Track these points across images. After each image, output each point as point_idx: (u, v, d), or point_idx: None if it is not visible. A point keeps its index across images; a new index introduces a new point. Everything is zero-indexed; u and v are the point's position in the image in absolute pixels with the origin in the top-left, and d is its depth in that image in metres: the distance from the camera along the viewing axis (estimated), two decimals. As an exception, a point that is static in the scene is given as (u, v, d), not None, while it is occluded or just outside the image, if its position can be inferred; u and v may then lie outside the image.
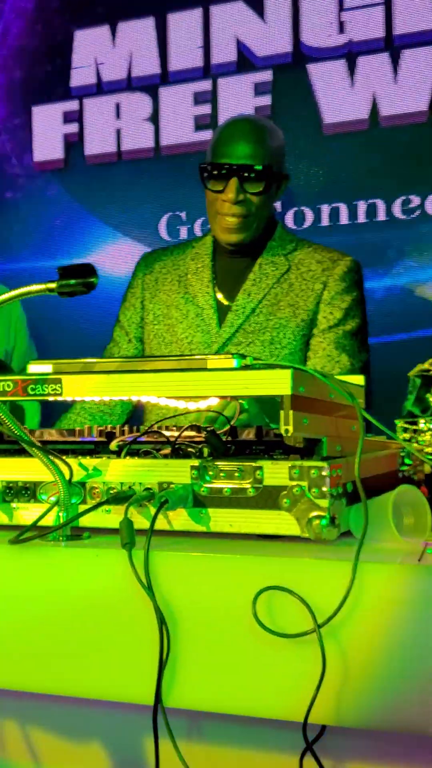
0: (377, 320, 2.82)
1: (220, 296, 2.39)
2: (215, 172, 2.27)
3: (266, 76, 3.05)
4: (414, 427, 1.57)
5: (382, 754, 1.22)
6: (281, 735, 1.19)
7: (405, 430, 1.58)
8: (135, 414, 2.52)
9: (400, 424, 1.58)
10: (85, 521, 1.29)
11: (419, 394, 1.59)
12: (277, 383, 1.20)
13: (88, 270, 1.17)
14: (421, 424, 1.57)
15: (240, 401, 1.63)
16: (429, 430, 1.55)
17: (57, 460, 1.27)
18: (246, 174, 2.24)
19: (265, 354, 2.28)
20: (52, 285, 1.19)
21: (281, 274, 2.34)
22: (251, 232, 2.31)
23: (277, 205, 2.98)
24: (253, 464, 1.24)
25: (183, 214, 3.17)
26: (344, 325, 2.31)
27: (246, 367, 1.25)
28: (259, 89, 3.07)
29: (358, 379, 1.50)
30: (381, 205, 2.86)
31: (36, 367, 1.34)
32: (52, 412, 2.61)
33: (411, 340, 2.78)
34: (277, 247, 2.38)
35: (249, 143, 2.27)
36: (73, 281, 1.18)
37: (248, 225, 2.30)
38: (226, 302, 2.38)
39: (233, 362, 1.26)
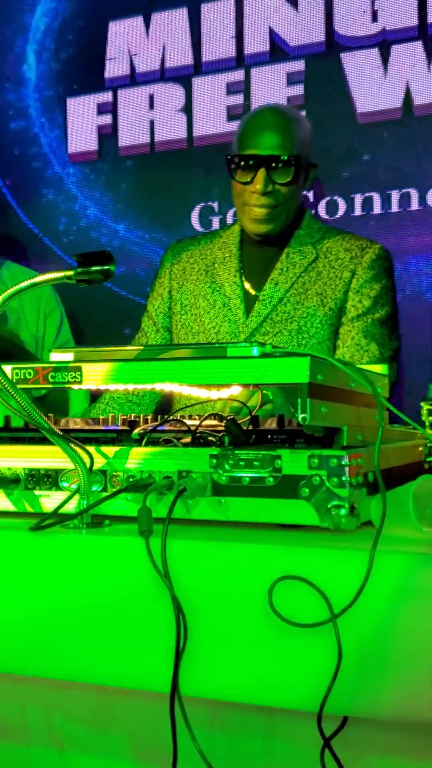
0: (408, 310, 2.79)
1: (247, 286, 2.38)
2: (242, 163, 2.26)
3: (299, 65, 3.03)
4: None
5: (407, 748, 1.20)
6: (304, 727, 1.19)
7: (430, 413, 1.57)
8: (164, 405, 2.52)
9: (424, 406, 1.57)
10: (107, 509, 1.30)
11: None
12: (295, 371, 1.19)
13: (106, 257, 1.17)
14: None
15: (264, 391, 1.63)
16: None
17: (78, 448, 1.28)
18: (274, 164, 2.23)
19: (292, 343, 2.27)
20: (70, 273, 1.20)
21: (309, 263, 2.33)
22: (280, 222, 2.30)
23: (310, 194, 2.97)
24: (272, 453, 1.23)
25: (215, 205, 3.16)
26: (373, 313, 2.29)
27: (265, 356, 1.25)
28: (291, 79, 3.04)
29: (380, 368, 1.48)
30: (414, 194, 2.83)
31: (57, 355, 1.35)
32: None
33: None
34: (304, 235, 2.37)
35: (276, 133, 2.26)
36: (91, 269, 1.18)
37: (277, 215, 2.29)
38: (253, 292, 2.37)
39: (253, 350, 1.26)
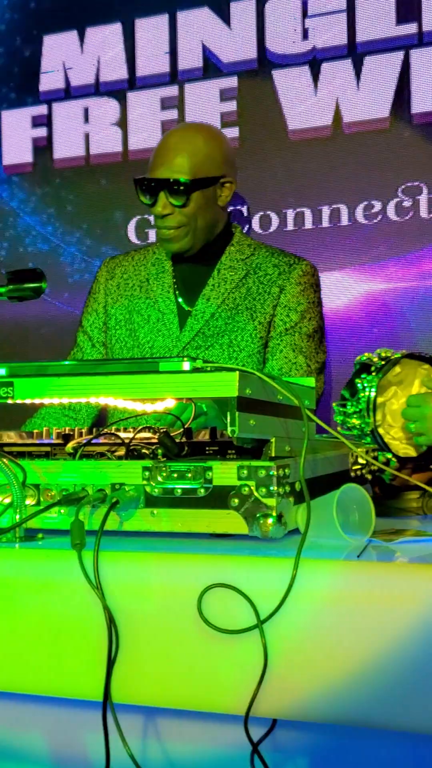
0: (338, 324, 2.86)
1: (180, 300, 2.44)
2: (142, 187, 2.36)
3: (232, 82, 3.08)
4: (343, 410, 1.63)
5: (336, 749, 1.24)
6: (237, 731, 1.22)
7: (339, 413, 1.65)
8: (101, 419, 2.54)
9: (335, 407, 1.65)
10: (40, 523, 1.32)
11: (351, 379, 1.66)
12: (224, 385, 1.23)
13: (37, 275, 1.20)
14: (349, 406, 1.63)
15: (198, 403, 1.66)
16: (355, 413, 1.62)
17: (10, 463, 1.30)
18: (170, 187, 2.32)
19: (224, 357, 2.32)
20: (2, 290, 1.22)
21: (239, 278, 2.39)
22: (190, 239, 2.37)
23: (243, 209, 3.02)
24: (203, 465, 1.27)
25: (151, 218, 3.19)
26: (300, 327, 2.35)
27: (196, 370, 1.28)
28: (224, 95, 3.09)
29: (309, 381, 1.53)
30: (344, 210, 2.90)
31: (-11, 370, 1.36)
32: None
33: (372, 344, 2.81)
34: (235, 252, 2.43)
35: (174, 156, 2.35)
36: (23, 286, 1.21)
37: (185, 234, 2.36)
38: (186, 307, 2.43)
39: (184, 365, 1.29)
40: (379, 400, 1.64)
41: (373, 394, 1.62)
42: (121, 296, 2.50)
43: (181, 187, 2.31)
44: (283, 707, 1.10)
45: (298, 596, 1.08)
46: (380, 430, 1.64)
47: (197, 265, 2.44)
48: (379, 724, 1.08)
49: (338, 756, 1.24)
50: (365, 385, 1.63)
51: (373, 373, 1.64)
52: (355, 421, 1.63)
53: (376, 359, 1.67)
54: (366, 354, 1.69)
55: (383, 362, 1.66)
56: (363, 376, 1.65)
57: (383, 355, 1.68)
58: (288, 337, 2.33)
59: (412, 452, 1.66)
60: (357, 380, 1.65)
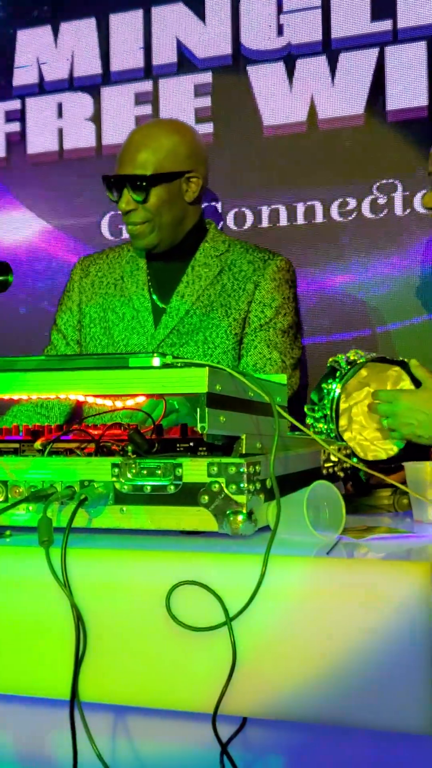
0: (314, 320, 2.85)
1: (155, 298, 2.43)
2: (108, 184, 2.38)
3: (206, 77, 3.06)
4: (312, 414, 1.64)
5: (307, 748, 1.24)
6: (207, 729, 1.21)
7: (310, 417, 1.65)
8: (75, 417, 2.52)
9: (306, 410, 1.66)
10: (8, 519, 1.30)
11: (319, 383, 1.66)
12: (194, 381, 1.22)
13: (3, 268, 1.18)
14: (316, 410, 1.64)
15: (170, 400, 1.65)
16: (321, 418, 1.63)
17: (-22, 459, 1.28)
18: (130, 183, 2.33)
19: (198, 354, 2.31)
20: (-31, 284, 1.20)
21: (214, 275, 2.38)
22: (156, 235, 2.37)
23: (218, 205, 3.00)
24: (173, 461, 1.25)
25: (126, 214, 3.17)
26: (275, 323, 2.35)
27: (166, 366, 1.27)
28: (199, 91, 3.08)
29: (281, 378, 1.52)
30: (319, 206, 2.89)
31: None
32: None
33: (347, 341, 2.81)
34: (210, 248, 2.42)
35: (136, 152, 2.36)
36: (-10, 280, 1.19)
37: (150, 230, 2.36)
38: (161, 304, 2.42)
39: (154, 361, 1.28)
40: (345, 405, 1.65)
41: (335, 400, 1.63)
42: (95, 294, 2.49)
43: (143, 183, 2.31)
44: (253, 705, 1.10)
45: (268, 593, 1.07)
46: (346, 435, 1.65)
47: (172, 262, 2.43)
48: (349, 722, 1.07)
49: (309, 755, 1.23)
50: (329, 390, 1.65)
51: (338, 379, 1.65)
52: (321, 425, 1.64)
53: (343, 363, 1.68)
54: (339, 355, 1.69)
55: (348, 367, 1.67)
56: (329, 381, 1.66)
57: (351, 358, 1.69)
58: (263, 333, 2.33)
59: (381, 455, 1.67)
60: (324, 384, 1.66)
